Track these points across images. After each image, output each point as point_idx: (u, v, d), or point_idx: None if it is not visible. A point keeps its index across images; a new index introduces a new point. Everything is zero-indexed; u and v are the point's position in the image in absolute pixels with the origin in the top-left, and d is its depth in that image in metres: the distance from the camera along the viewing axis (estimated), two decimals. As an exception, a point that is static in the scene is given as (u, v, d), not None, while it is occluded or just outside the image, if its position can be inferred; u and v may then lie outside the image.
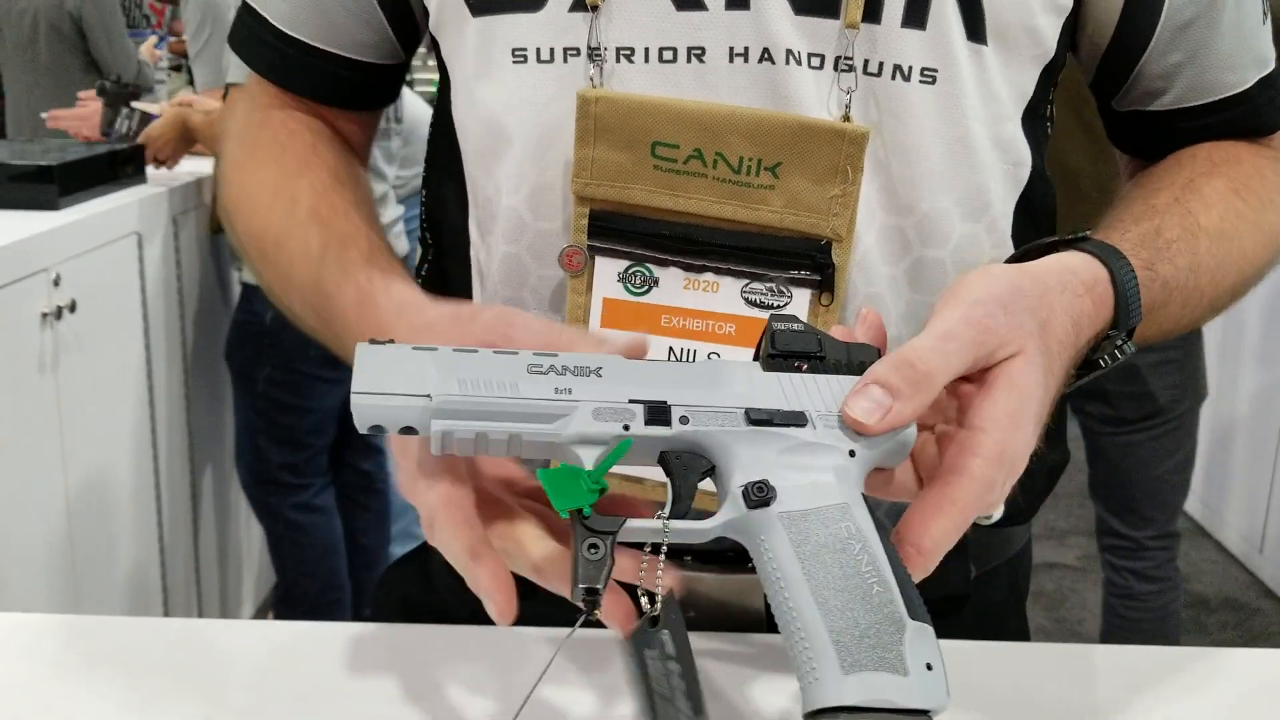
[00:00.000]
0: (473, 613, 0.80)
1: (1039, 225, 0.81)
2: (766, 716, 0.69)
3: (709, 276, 0.73)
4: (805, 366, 0.59)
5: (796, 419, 0.57)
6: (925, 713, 0.53)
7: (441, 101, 0.84)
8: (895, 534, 0.57)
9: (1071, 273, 0.66)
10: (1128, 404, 2.21)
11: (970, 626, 0.83)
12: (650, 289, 0.74)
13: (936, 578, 0.83)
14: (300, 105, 0.89)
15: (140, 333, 2.44)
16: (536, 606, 0.74)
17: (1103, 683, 0.75)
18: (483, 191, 0.80)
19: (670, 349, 0.74)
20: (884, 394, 0.57)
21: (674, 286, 0.74)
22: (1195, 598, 3.37)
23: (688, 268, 0.73)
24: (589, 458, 0.56)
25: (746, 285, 0.73)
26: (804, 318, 0.73)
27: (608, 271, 0.74)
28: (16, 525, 2.04)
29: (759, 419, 0.57)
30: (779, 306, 0.73)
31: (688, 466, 0.57)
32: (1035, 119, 0.79)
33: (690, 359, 0.74)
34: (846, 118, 0.71)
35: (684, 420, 0.57)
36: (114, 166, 2.47)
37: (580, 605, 0.56)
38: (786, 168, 0.71)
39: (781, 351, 0.59)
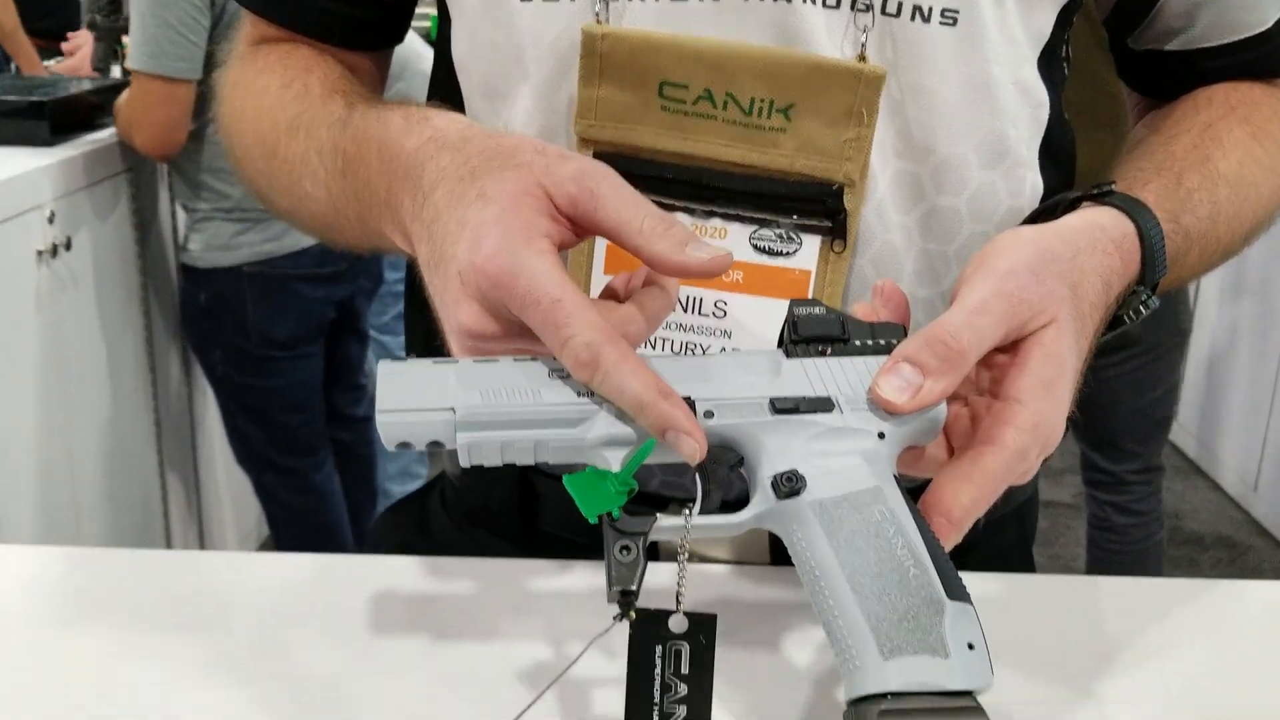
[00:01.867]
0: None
1: (1060, 167, 0.80)
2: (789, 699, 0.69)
3: (716, 222, 0.72)
4: (829, 350, 0.58)
5: (823, 405, 0.57)
6: (969, 693, 0.52)
7: (441, 40, 0.82)
8: (923, 502, 0.57)
9: (1100, 230, 0.66)
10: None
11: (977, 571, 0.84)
12: None
13: None
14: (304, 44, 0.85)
15: (136, 270, 2.43)
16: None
17: (1096, 613, 0.76)
18: None
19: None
20: (914, 372, 0.56)
21: None
22: (1188, 535, 3.40)
23: (694, 213, 0.72)
24: (615, 459, 0.56)
25: (755, 231, 0.72)
26: (814, 265, 0.72)
27: None
28: (17, 461, 2.05)
29: (784, 408, 0.57)
30: (788, 253, 0.72)
31: (715, 460, 0.57)
32: (1053, 60, 0.77)
33: (697, 307, 0.73)
34: (862, 58, 0.69)
35: (709, 415, 0.57)
36: (107, 103, 2.44)
37: (617, 606, 0.56)
38: (799, 110, 0.69)
39: (804, 336, 0.58)
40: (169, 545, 2.60)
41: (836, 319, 0.59)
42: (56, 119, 2.27)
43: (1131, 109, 0.92)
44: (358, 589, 0.76)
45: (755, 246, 0.72)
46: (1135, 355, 2.18)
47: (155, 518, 2.55)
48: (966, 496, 0.57)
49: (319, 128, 0.73)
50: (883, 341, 0.58)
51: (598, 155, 0.71)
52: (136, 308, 2.45)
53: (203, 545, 2.77)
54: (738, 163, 0.71)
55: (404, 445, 0.57)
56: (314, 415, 2.49)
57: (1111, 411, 2.26)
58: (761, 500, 0.56)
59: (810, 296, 0.72)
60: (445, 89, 0.81)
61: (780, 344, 0.60)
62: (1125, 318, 0.68)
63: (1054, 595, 0.79)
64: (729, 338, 0.73)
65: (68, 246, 2.15)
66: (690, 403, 0.56)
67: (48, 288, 2.12)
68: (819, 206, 0.71)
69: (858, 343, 0.58)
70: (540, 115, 0.74)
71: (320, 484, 2.51)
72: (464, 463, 0.56)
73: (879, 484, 0.56)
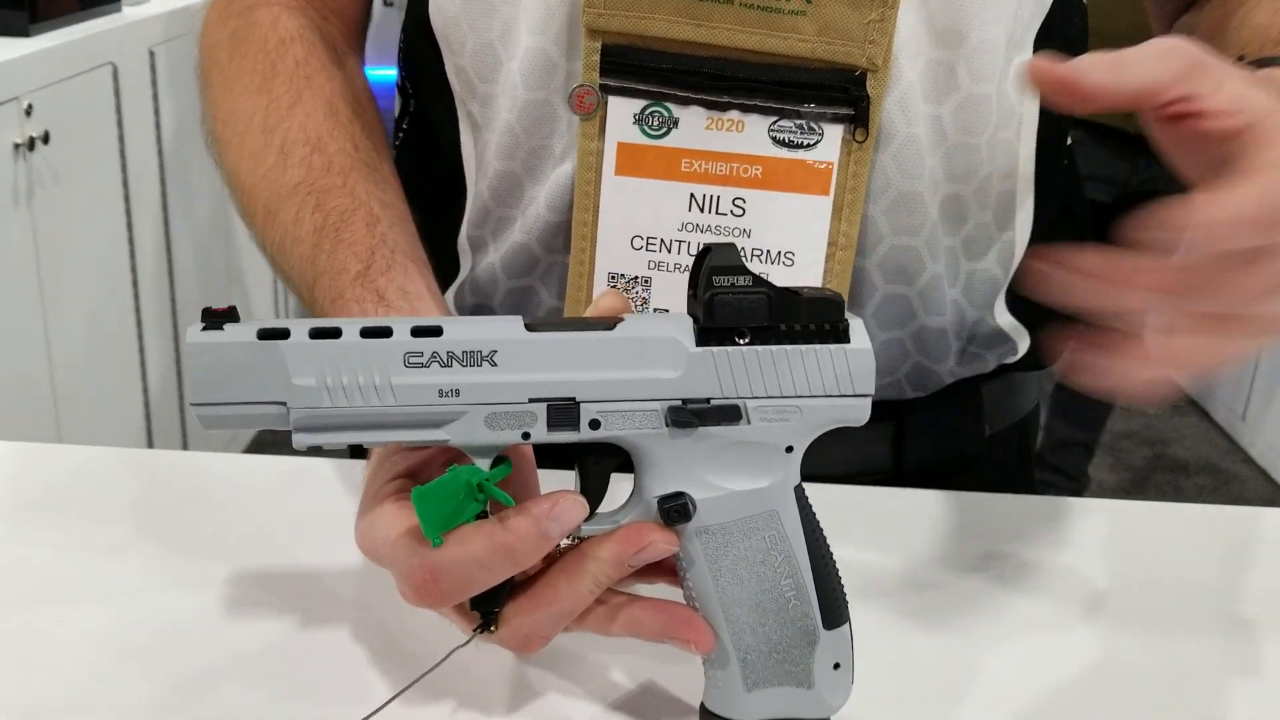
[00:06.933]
0: None
1: (1066, 57, 0.76)
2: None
3: (734, 115, 0.68)
4: (747, 339, 0.49)
5: (729, 415, 0.49)
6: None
7: None
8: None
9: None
10: None
11: (981, 487, 0.82)
12: (669, 130, 0.69)
13: (950, 436, 0.83)
14: None
15: (118, 168, 2.37)
16: None
17: (1079, 533, 0.75)
18: (477, 35, 0.73)
19: (692, 195, 0.69)
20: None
21: (695, 127, 0.68)
22: (1174, 462, 3.40)
23: (711, 105, 0.68)
24: (482, 464, 0.49)
25: (775, 123, 0.68)
26: (836, 157, 0.68)
27: (622, 113, 0.69)
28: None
29: (682, 420, 0.49)
30: (809, 144, 0.68)
31: (600, 456, 0.51)
32: None
33: (714, 205, 0.69)
34: None
35: (594, 424, 0.49)
36: (87, -9, 2.36)
37: (479, 619, 0.52)
38: None
39: (720, 326, 0.49)
40: (150, 446, 2.57)
41: (762, 300, 0.49)
42: (35, 8, 2.19)
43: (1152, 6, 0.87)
44: (339, 490, 0.75)
45: (774, 139, 0.68)
46: None
47: (137, 418, 2.52)
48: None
49: (290, 245, 0.69)
50: (810, 325, 0.49)
51: (606, 47, 0.68)
52: (119, 205, 2.39)
53: (185, 446, 2.74)
54: (755, 50, 0.67)
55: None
56: None
57: None
58: (642, 513, 0.51)
59: (832, 191, 0.68)
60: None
61: (692, 287, 0.51)
62: None
63: (1049, 515, 0.78)
64: (748, 236, 0.69)
65: (45, 140, 2.08)
66: (574, 404, 0.49)
67: (25, 182, 2.06)
68: (840, 94, 0.67)
69: (781, 328, 0.49)
70: (563, 9, 0.69)
71: None
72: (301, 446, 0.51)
73: (774, 508, 0.51)
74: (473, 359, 0.48)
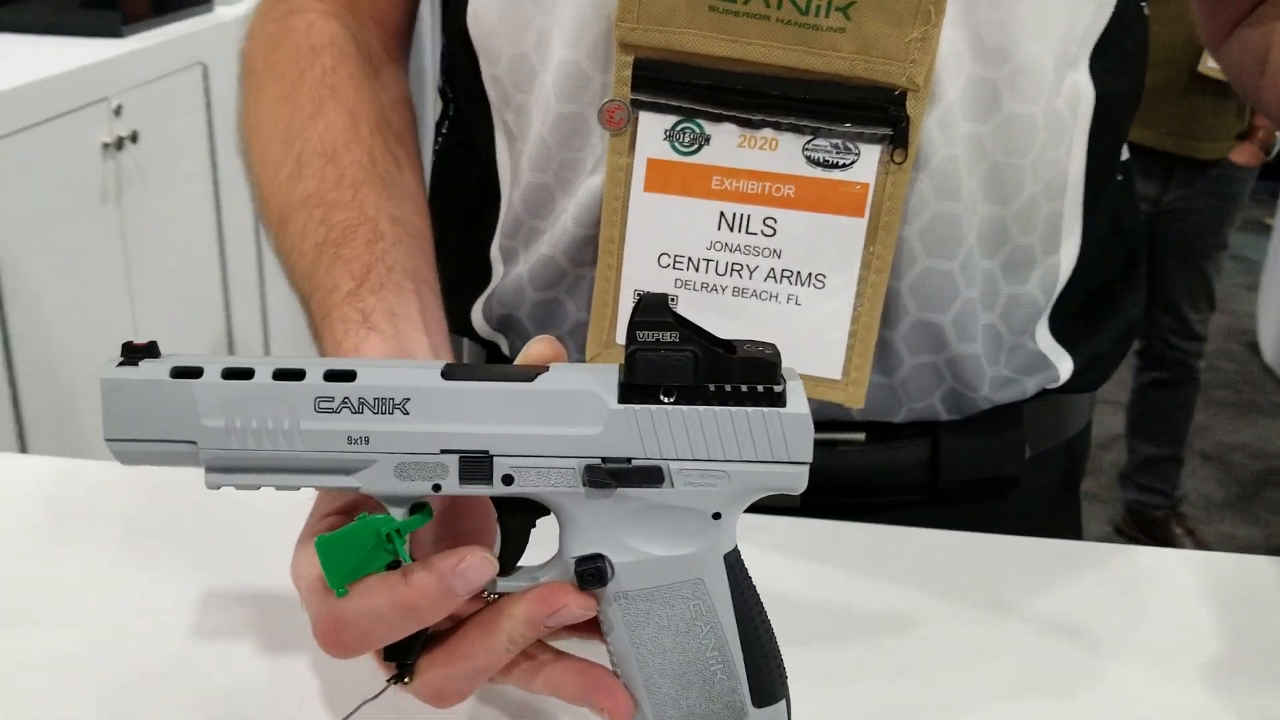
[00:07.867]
0: None
1: (1124, 71, 0.72)
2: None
3: (767, 133, 0.65)
4: (673, 398, 0.47)
5: (650, 476, 0.47)
6: None
7: None
8: None
9: None
10: None
11: (1018, 510, 0.79)
12: (700, 147, 0.66)
13: (988, 457, 0.79)
14: None
15: (207, 166, 2.40)
16: None
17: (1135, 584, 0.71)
18: (513, 45, 0.71)
19: (722, 214, 0.67)
20: None
21: (727, 144, 0.66)
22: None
23: (744, 123, 0.65)
24: (396, 513, 0.48)
25: (809, 142, 0.65)
26: (872, 178, 0.65)
27: (653, 128, 0.67)
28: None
29: (599, 481, 0.47)
30: (845, 165, 0.65)
31: (519, 510, 0.49)
32: None
33: (744, 225, 0.66)
34: None
35: (508, 480, 0.47)
36: (179, -8, 2.40)
37: (395, 671, 0.50)
38: (861, 7, 0.62)
39: (642, 383, 0.46)
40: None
41: (688, 358, 0.46)
42: (128, 9, 2.23)
43: (1206, 22, 0.83)
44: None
45: (809, 158, 0.66)
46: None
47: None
48: None
49: (295, 258, 0.68)
50: (742, 388, 0.46)
51: (639, 62, 0.66)
52: (209, 205, 2.42)
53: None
54: (792, 67, 0.64)
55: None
56: None
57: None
58: (562, 572, 0.49)
59: (867, 213, 0.65)
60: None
61: (629, 334, 0.47)
62: None
63: (1087, 562, 0.74)
64: (779, 257, 0.67)
65: (134, 139, 2.12)
66: (487, 457, 0.47)
67: (114, 181, 2.09)
68: (879, 114, 0.64)
69: (709, 390, 0.47)
70: (597, 21, 0.67)
71: None
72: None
73: (700, 576, 0.48)
74: (384, 406, 0.47)
